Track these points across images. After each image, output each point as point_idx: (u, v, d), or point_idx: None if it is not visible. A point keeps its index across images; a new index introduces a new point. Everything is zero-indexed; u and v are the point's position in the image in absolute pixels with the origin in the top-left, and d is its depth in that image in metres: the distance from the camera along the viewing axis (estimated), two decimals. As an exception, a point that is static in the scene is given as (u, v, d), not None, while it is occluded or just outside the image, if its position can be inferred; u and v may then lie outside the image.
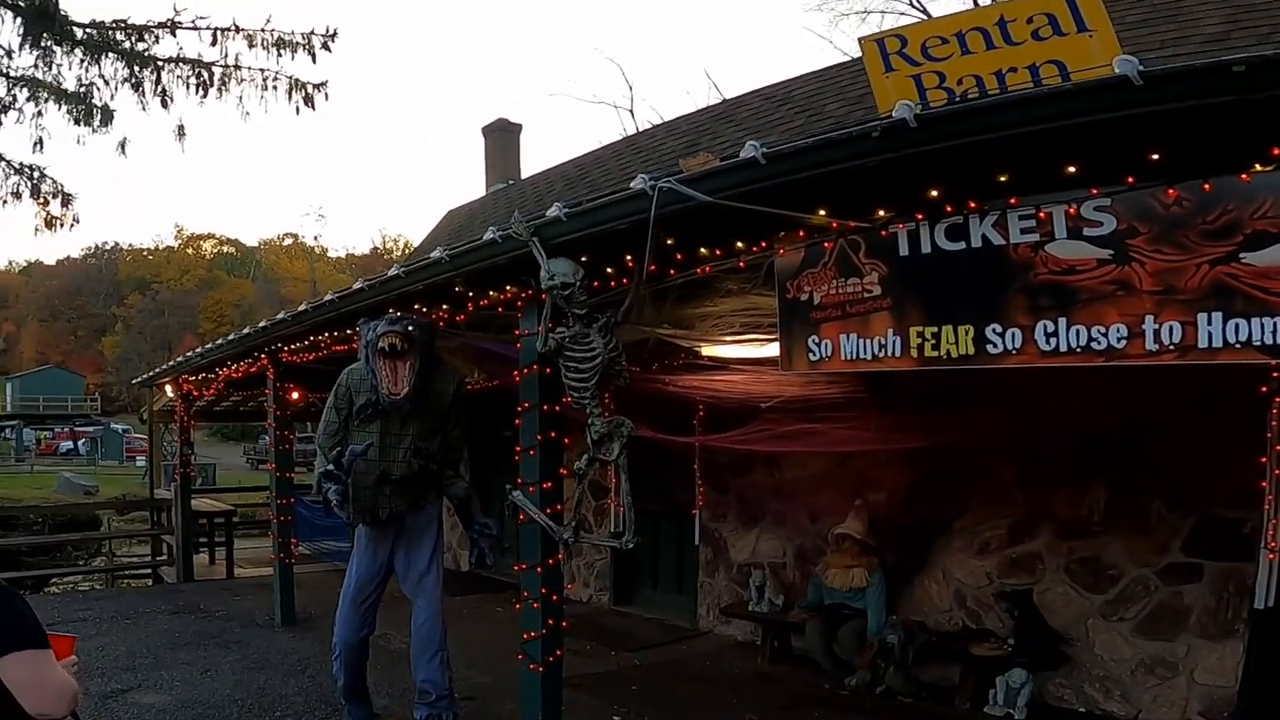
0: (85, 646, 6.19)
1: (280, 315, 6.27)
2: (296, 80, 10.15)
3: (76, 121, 9.77)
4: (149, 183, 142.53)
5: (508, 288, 3.96)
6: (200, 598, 8.37)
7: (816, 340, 3.12)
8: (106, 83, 9.47)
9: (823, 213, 2.91)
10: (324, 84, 10.29)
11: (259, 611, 7.51)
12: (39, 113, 9.76)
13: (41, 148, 9.92)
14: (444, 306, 4.49)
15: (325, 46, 10.12)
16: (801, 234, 3.12)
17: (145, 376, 10.81)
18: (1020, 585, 5.13)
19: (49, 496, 25.82)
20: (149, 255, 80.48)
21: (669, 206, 2.89)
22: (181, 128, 10.08)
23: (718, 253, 3.42)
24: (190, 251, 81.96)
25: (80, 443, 41.84)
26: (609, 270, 3.60)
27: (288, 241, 78.75)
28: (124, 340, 60.20)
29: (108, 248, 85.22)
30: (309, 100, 10.11)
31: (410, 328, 3.99)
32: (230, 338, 7.38)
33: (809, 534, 6.40)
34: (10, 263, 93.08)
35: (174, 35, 9.44)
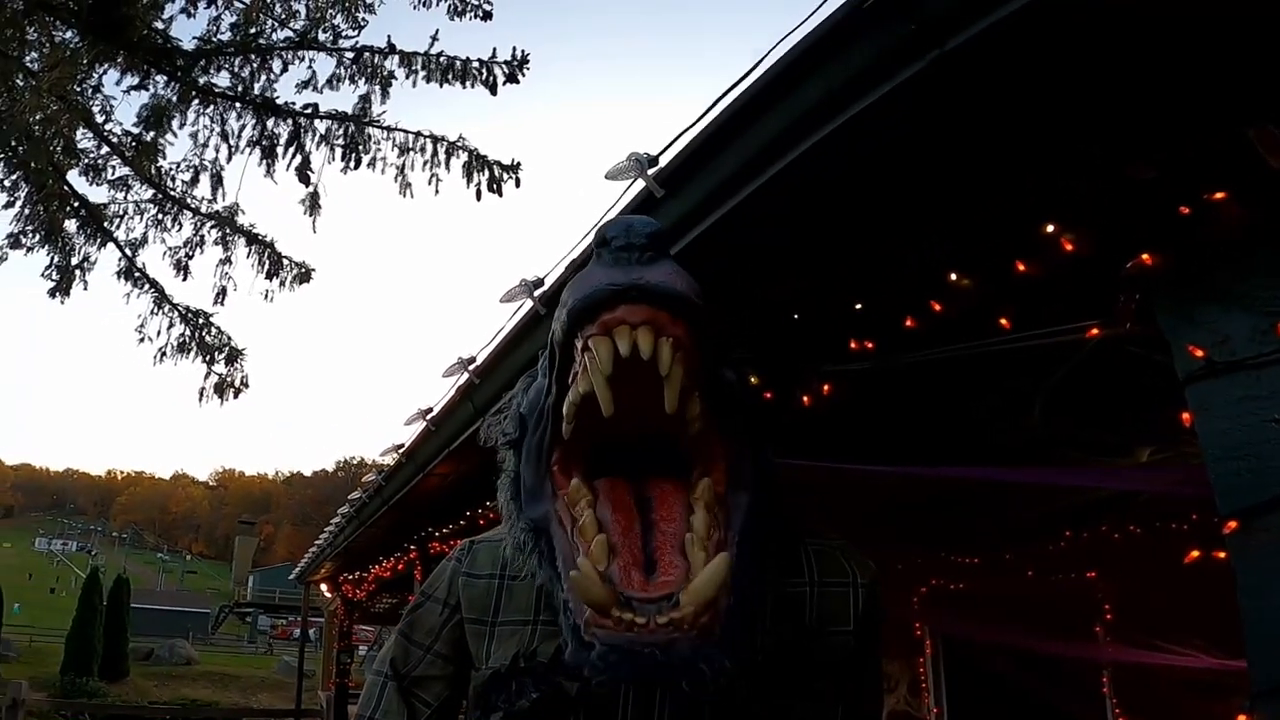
0: None
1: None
2: (479, 155, 6.93)
3: (267, 275, 7.29)
4: (391, 400, 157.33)
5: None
6: None
7: None
8: (226, 139, 6.62)
9: None
10: (517, 166, 6.92)
11: None
12: (227, 259, 7.40)
13: (224, 299, 7.46)
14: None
15: (513, 78, 6.89)
16: None
17: (296, 571, 8.06)
18: None
19: (267, 676, 30.03)
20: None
21: None
22: (315, 196, 6.91)
23: None
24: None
25: (312, 630, 43.47)
26: None
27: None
28: (359, 550, 64.66)
29: (355, 462, 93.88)
30: (495, 185, 6.62)
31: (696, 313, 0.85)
32: (343, 510, 4.24)
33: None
34: (276, 472, 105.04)
35: (305, 56, 6.56)
